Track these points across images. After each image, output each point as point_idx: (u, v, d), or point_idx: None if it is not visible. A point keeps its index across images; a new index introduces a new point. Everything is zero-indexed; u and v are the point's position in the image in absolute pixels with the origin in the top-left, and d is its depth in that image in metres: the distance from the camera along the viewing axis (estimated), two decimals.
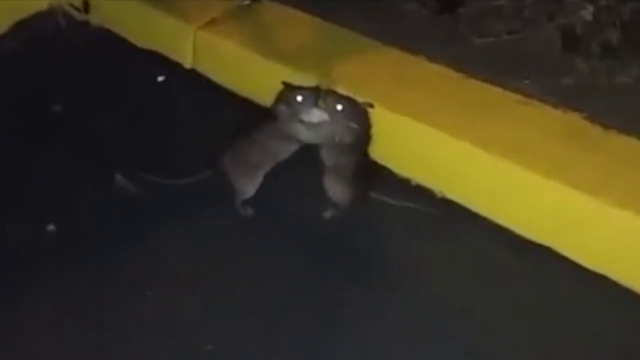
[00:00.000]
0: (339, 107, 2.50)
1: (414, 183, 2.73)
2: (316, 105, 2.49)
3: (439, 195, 2.68)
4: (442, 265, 2.50)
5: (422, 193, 2.69)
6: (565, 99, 2.70)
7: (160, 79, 3.23)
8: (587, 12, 2.93)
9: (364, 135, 2.57)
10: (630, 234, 2.35)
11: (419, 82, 2.82)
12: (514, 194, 2.53)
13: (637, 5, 2.86)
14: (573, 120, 2.63)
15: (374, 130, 2.59)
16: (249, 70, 3.08)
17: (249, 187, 2.64)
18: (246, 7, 3.31)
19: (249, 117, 2.94)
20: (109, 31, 3.46)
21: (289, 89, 2.54)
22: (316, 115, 2.50)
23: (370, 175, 2.65)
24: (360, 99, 2.57)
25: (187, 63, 3.25)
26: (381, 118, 2.61)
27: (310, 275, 2.47)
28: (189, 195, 2.69)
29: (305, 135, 2.54)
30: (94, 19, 3.54)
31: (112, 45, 3.40)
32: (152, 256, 2.54)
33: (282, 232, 2.61)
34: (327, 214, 2.65)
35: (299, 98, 2.50)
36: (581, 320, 2.32)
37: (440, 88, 2.80)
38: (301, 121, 2.51)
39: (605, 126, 2.59)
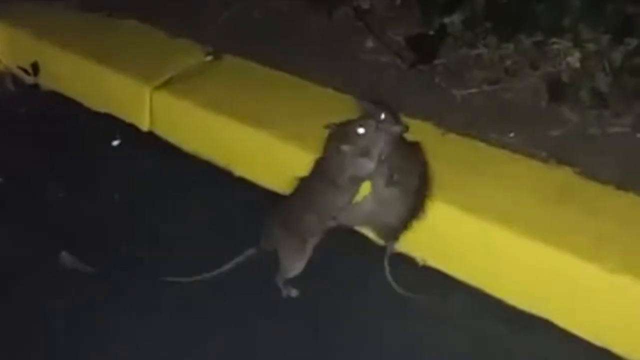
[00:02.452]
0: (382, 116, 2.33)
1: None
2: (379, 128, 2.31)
3: (421, 262, 2.52)
4: (429, 340, 2.32)
5: (402, 260, 2.51)
6: (555, 153, 2.59)
7: (115, 143, 3.11)
8: (574, 59, 2.85)
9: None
10: (633, 303, 2.18)
11: None
12: (503, 261, 2.37)
13: (627, 49, 2.75)
14: (565, 176, 2.51)
15: None
16: (210, 132, 2.93)
17: (300, 261, 2.39)
18: (207, 64, 3.20)
19: (212, 181, 2.85)
20: (60, 94, 3.36)
21: (340, 127, 2.33)
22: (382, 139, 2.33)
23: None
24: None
25: (144, 125, 3.12)
26: None
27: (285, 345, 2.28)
28: (144, 275, 2.46)
29: (367, 166, 2.33)
30: (44, 81, 3.42)
31: (64, 109, 3.28)
32: (103, 349, 2.28)
33: (258, 302, 2.39)
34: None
35: (360, 130, 2.28)
36: None
37: None
38: (366, 154, 2.31)
39: (601, 182, 2.46)
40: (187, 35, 3.33)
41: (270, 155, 2.78)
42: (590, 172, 2.48)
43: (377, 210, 2.41)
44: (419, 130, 2.69)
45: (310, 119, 2.76)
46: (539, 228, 2.31)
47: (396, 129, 2.33)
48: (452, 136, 2.70)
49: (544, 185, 2.46)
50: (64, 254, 2.53)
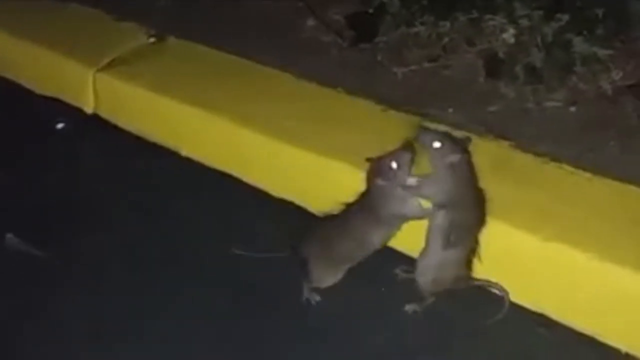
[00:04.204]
0: (436, 144, 2.15)
1: None
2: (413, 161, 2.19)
3: None
4: (372, 319, 2.32)
5: None
6: (493, 128, 2.62)
7: (59, 126, 3.07)
8: (509, 35, 2.87)
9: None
10: (566, 270, 2.23)
11: (339, 118, 2.71)
12: None
13: (560, 25, 2.79)
14: (501, 150, 2.54)
15: None
16: (154, 113, 2.92)
17: (329, 279, 2.33)
18: (150, 46, 3.18)
19: (159, 162, 2.84)
20: (2, 77, 3.30)
21: (376, 160, 2.23)
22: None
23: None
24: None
25: (89, 108, 3.10)
26: (298, 159, 2.51)
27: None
28: (89, 258, 2.47)
29: (413, 206, 2.22)
30: None
31: (6, 93, 3.23)
32: (50, 335, 2.25)
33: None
34: (410, 308, 2.32)
35: (393, 164, 2.18)
36: None
37: (362, 123, 2.68)
38: (405, 188, 2.20)
39: (537, 154, 2.50)
40: (130, 17, 3.32)
41: (214, 135, 2.79)
42: (526, 146, 2.52)
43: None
44: (360, 108, 2.75)
45: (252, 99, 2.81)
46: None
47: (452, 158, 2.15)
48: (392, 113, 2.70)
49: (481, 159, 2.41)
50: (9, 236, 2.52)
